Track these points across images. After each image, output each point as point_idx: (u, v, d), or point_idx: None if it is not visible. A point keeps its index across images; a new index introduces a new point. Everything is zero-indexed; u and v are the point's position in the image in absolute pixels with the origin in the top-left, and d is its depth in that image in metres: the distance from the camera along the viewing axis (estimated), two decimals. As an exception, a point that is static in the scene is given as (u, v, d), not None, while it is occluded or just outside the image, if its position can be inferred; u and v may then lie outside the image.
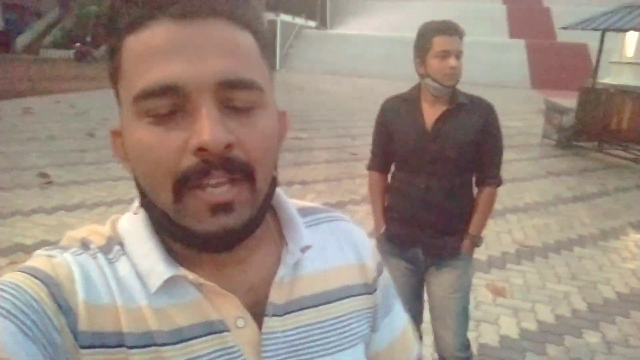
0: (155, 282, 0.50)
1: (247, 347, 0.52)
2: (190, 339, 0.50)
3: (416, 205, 1.93)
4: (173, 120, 0.44)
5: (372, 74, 25.19)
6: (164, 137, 0.44)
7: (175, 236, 0.49)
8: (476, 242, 1.97)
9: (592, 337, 2.94)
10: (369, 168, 2.12)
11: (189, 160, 0.44)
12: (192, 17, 0.44)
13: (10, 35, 27.71)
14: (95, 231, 0.54)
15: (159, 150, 0.44)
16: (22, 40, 28.54)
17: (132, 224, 0.54)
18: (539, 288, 3.54)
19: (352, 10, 34.72)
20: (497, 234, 4.51)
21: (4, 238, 3.98)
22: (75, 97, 12.57)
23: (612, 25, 8.60)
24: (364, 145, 7.49)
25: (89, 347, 0.46)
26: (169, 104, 0.44)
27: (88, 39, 26.02)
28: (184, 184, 0.45)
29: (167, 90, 0.43)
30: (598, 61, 8.96)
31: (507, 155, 2.04)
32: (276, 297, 0.55)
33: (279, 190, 0.58)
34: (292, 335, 0.55)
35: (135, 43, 0.45)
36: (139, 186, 0.50)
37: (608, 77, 12.94)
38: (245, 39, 0.47)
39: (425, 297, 2.09)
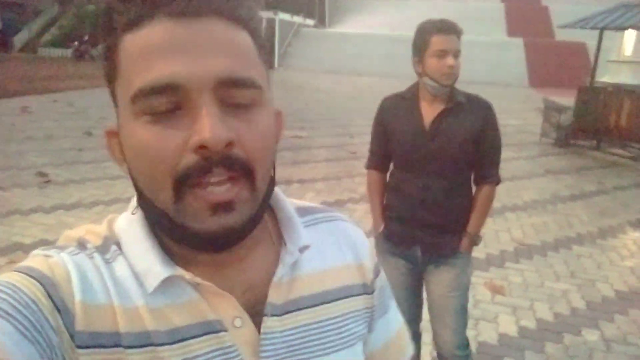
0: (152, 282, 0.49)
1: (245, 347, 0.52)
2: (187, 339, 0.50)
3: (415, 204, 1.93)
4: (171, 118, 0.44)
5: (371, 72, 25.17)
6: (162, 136, 0.44)
7: (174, 236, 0.49)
8: (475, 240, 1.97)
9: (590, 335, 2.95)
10: (368, 167, 2.12)
11: (189, 159, 0.44)
12: (191, 16, 0.44)
13: (8, 33, 27.68)
14: (92, 231, 0.54)
15: (158, 149, 0.44)
16: (20, 39, 28.54)
17: (129, 224, 0.53)
18: (538, 286, 3.55)
19: (351, 8, 34.66)
20: (495, 233, 4.51)
21: (2, 237, 3.97)
22: (74, 96, 12.55)
23: (610, 23, 8.62)
24: (363, 144, 7.48)
25: (86, 347, 0.46)
26: (168, 102, 0.44)
27: (86, 37, 25.97)
28: (184, 182, 0.44)
29: (166, 88, 0.43)
30: (596, 60, 8.96)
31: (505, 153, 2.04)
32: (275, 297, 0.54)
33: (277, 190, 0.58)
34: (290, 335, 0.55)
35: (133, 42, 0.44)
36: (136, 186, 0.50)
37: (606, 76, 12.94)
38: (243, 38, 0.47)
39: (424, 295, 2.09)
